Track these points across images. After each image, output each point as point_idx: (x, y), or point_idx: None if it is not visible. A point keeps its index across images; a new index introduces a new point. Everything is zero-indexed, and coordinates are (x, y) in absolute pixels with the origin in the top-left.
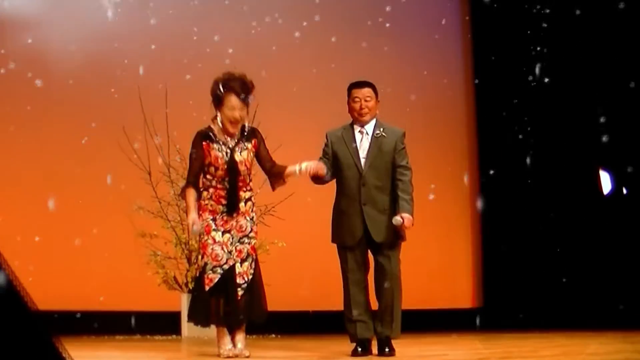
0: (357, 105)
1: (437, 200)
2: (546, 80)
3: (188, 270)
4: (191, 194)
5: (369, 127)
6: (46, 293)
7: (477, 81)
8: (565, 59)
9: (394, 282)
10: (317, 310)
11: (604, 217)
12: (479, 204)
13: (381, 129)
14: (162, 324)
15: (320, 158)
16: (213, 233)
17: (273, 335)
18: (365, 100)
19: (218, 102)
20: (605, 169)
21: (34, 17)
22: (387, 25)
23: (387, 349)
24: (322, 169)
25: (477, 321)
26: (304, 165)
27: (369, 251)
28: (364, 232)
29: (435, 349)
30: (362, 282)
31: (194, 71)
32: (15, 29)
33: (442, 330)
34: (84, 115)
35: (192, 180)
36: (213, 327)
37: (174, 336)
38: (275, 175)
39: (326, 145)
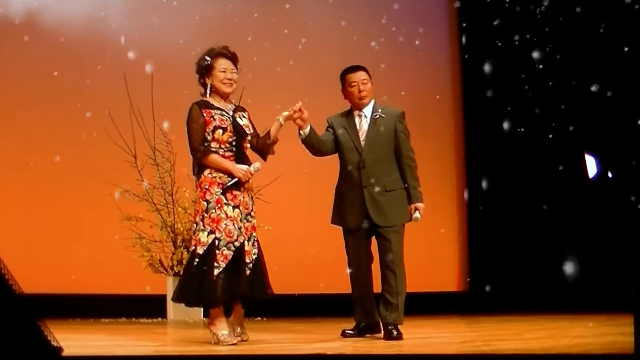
0: (355, 90)
1: (424, 183)
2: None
3: (174, 254)
4: (214, 155)
5: (367, 110)
6: (32, 276)
7: (466, 56)
8: (557, 46)
9: (396, 266)
10: (302, 293)
11: (590, 200)
12: (465, 189)
13: (379, 111)
14: (148, 307)
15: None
16: (225, 207)
17: (259, 318)
18: (363, 83)
19: (207, 70)
20: (591, 153)
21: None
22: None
23: (395, 333)
24: (302, 108)
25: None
26: (284, 114)
27: (373, 234)
28: (365, 214)
29: (421, 331)
30: (363, 264)
31: (181, 54)
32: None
33: (428, 313)
34: (69, 99)
35: (205, 147)
36: (197, 310)
37: (160, 319)
38: (263, 144)
39: (327, 128)
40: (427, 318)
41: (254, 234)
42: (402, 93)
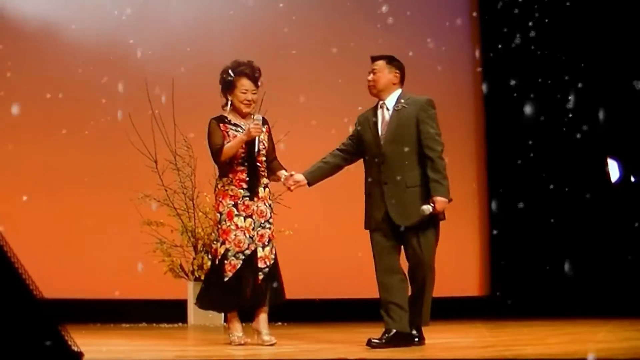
0: (367, 79)
1: None
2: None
3: (194, 258)
4: (225, 146)
5: (390, 101)
6: (52, 281)
7: (480, 69)
8: (573, 49)
9: (424, 268)
10: (323, 299)
11: (612, 205)
12: (487, 194)
13: (403, 101)
14: (169, 312)
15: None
16: (235, 219)
17: (279, 323)
18: (372, 73)
19: (229, 87)
20: (614, 157)
21: (42, 9)
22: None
23: (416, 339)
24: (297, 183)
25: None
26: (283, 176)
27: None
28: (386, 213)
29: (443, 336)
30: (391, 267)
31: (201, 59)
32: (23, 23)
33: (450, 318)
34: (90, 103)
35: (222, 144)
36: (217, 314)
37: (180, 324)
38: (271, 170)
39: (355, 127)
40: (448, 323)
41: (273, 241)
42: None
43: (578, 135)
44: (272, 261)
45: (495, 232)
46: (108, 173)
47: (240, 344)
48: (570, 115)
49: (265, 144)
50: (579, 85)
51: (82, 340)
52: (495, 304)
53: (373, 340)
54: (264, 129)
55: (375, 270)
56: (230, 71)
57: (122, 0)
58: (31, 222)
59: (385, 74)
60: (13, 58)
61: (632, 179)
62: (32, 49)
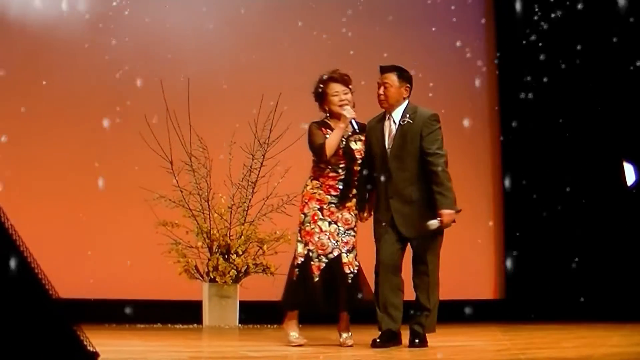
0: (377, 92)
1: (460, 192)
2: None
3: (209, 260)
4: (326, 142)
5: (396, 114)
6: (67, 281)
7: (498, 59)
8: (589, 51)
9: (430, 277)
10: None
11: (628, 210)
12: (502, 199)
13: (408, 115)
14: (184, 313)
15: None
16: (320, 222)
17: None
18: (384, 87)
19: (322, 97)
20: (629, 161)
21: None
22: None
23: (417, 341)
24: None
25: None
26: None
27: (403, 243)
28: (393, 226)
29: (457, 339)
30: (391, 272)
31: (215, 62)
32: (39, 21)
33: (464, 321)
34: (106, 104)
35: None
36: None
37: (195, 325)
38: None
39: (365, 137)
40: (463, 326)
41: (355, 249)
42: (430, 95)
43: (595, 139)
44: (356, 267)
45: (509, 235)
46: (123, 174)
47: (300, 345)
48: (587, 118)
49: (362, 153)
50: (596, 86)
51: (97, 340)
52: (509, 307)
53: (377, 341)
54: (362, 139)
55: (375, 273)
56: (318, 84)
57: (145, 4)
58: (45, 222)
59: (397, 88)
60: (24, 57)
61: None
62: (45, 47)
